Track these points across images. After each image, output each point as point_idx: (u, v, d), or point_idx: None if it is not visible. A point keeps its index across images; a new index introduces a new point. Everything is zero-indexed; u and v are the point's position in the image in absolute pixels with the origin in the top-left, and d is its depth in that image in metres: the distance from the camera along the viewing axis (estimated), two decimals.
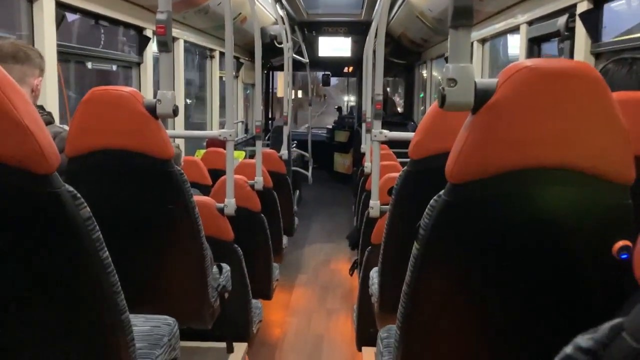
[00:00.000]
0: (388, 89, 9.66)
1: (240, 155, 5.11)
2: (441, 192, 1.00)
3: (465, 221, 1.00)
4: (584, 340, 0.47)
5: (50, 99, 2.44)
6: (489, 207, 0.98)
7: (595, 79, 0.92)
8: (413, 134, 1.70)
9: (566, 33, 2.49)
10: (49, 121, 1.88)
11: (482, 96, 0.92)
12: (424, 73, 7.02)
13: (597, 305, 0.97)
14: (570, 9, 2.50)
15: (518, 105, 0.91)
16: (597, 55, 2.39)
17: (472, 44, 4.16)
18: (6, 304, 1.03)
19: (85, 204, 1.01)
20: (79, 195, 0.99)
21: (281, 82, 7.92)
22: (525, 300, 1.02)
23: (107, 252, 1.06)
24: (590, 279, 0.98)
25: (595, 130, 0.92)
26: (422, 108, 7.32)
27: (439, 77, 6.23)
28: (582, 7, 2.39)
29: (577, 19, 2.41)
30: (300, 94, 12.50)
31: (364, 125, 4.89)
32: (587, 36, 2.38)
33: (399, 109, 9.00)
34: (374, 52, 3.29)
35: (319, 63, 7.96)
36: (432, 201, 1.01)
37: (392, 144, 3.41)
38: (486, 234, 0.99)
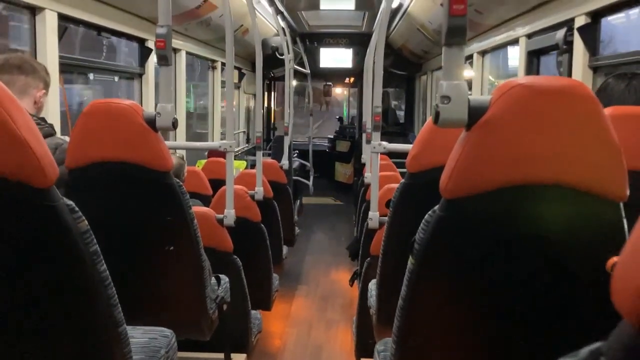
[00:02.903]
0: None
1: (241, 165, 5.13)
2: (436, 207, 1.01)
3: (460, 236, 1.00)
4: None
5: (52, 111, 2.46)
6: (483, 222, 0.98)
7: (588, 96, 0.92)
8: (412, 145, 1.71)
9: (564, 46, 2.51)
10: (50, 133, 1.90)
11: (476, 113, 0.93)
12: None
13: (591, 322, 0.97)
14: (569, 23, 2.52)
15: (511, 122, 0.92)
16: (595, 69, 2.40)
17: (472, 55, 4.19)
18: (3, 316, 1.03)
19: (83, 218, 1.01)
20: (76, 208, 1.00)
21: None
22: (519, 316, 1.02)
23: (105, 266, 1.06)
24: (584, 295, 0.98)
25: (588, 147, 0.92)
26: (423, 118, 7.33)
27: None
28: (580, 21, 2.41)
29: (576, 32, 2.43)
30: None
31: (364, 135, 4.91)
32: (585, 50, 2.39)
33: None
34: (375, 63, 3.31)
35: (320, 74, 7.99)
36: (426, 216, 1.02)
37: (392, 154, 3.42)
38: (480, 250, 1.00)
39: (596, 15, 2.36)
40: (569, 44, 2.48)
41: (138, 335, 1.53)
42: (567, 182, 0.92)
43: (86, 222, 1.02)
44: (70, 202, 1.00)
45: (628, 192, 0.94)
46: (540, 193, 0.93)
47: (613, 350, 0.43)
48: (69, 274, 1.03)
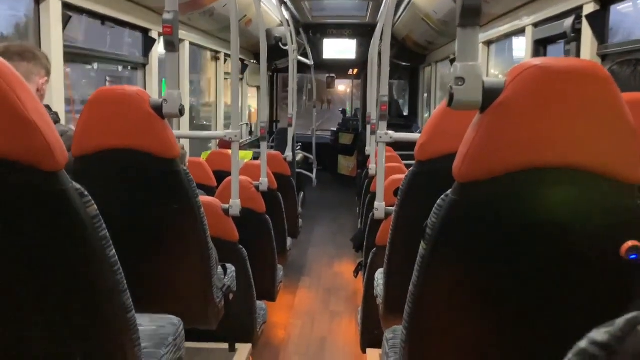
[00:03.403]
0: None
1: (247, 155, 5.12)
2: (449, 192, 1.00)
3: (473, 220, 0.99)
4: (599, 334, 0.47)
5: (57, 99, 2.45)
6: (496, 206, 0.97)
7: (604, 78, 0.91)
8: (418, 135, 1.70)
9: (572, 35, 2.49)
10: (55, 121, 1.89)
11: (490, 95, 0.92)
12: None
13: (605, 305, 0.97)
14: (577, 11, 2.49)
15: (526, 104, 0.91)
16: (604, 57, 2.38)
17: None
18: (11, 302, 1.03)
19: (93, 202, 1.01)
20: (86, 193, 0.99)
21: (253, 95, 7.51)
22: (533, 301, 1.01)
23: (114, 251, 1.06)
24: (598, 279, 0.97)
25: (604, 129, 0.91)
26: (427, 115, 7.30)
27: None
28: (588, 9, 2.39)
29: (584, 20, 2.41)
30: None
31: (368, 127, 4.89)
32: (593, 38, 2.37)
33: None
34: (379, 54, 3.29)
35: (323, 65, 7.96)
36: (439, 200, 1.01)
37: (396, 145, 3.40)
38: (494, 234, 0.99)
39: (605, 2, 2.34)
40: (577, 32, 2.45)
41: (146, 323, 1.52)
42: (582, 164, 0.91)
43: (95, 206, 1.01)
44: (80, 187, 0.99)
45: None
46: (554, 176, 0.92)
47: None
48: (78, 258, 1.02)
